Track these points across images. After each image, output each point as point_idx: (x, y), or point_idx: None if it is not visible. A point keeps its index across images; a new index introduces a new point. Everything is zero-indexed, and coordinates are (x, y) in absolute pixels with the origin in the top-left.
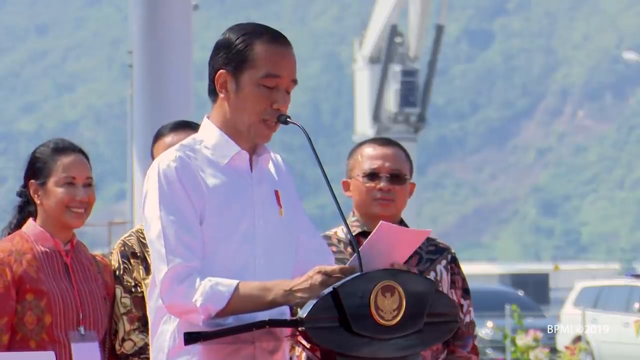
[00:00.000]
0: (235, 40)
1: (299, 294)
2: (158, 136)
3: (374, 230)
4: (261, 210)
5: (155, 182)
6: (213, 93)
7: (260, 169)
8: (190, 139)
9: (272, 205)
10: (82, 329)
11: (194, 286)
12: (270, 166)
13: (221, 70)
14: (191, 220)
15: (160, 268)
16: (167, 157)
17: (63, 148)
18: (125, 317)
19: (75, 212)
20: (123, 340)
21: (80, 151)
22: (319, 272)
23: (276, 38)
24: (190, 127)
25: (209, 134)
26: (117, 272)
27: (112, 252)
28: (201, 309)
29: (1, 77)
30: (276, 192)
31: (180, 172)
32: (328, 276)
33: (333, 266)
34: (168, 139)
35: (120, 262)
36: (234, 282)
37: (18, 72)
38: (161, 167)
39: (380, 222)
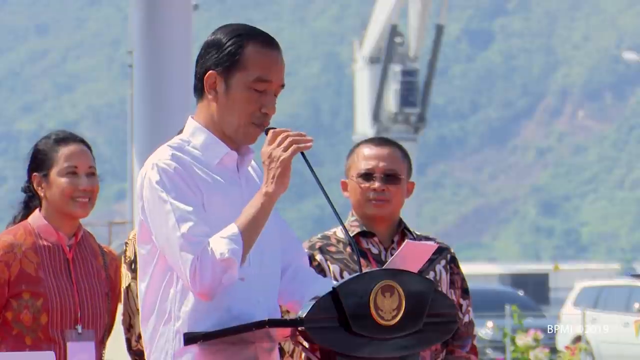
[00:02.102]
0: (227, 41)
1: (269, 180)
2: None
3: (400, 249)
4: None
5: (157, 181)
6: (199, 92)
7: (246, 168)
8: (177, 139)
9: None
10: (79, 327)
11: (205, 250)
12: (249, 169)
13: (211, 71)
14: (199, 211)
15: (185, 259)
16: (162, 156)
17: (64, 138)
18: None
19: (79, 201)
20: (139, 337)
21: (82, 141)
22: (264, 153)
23: (267, 42)
24: None
25: (196, 134)
26: (134, 265)
27: (126, 243)
28: (232, 257)
29: (1, 77)
30: None
31: (179, 170)
32: (275, 144)
33: (270, 133)
34: None
35: (137, 254)
36: (230, 224)
37: (18, 72)
38: (160, 166)
39: (406, 241)
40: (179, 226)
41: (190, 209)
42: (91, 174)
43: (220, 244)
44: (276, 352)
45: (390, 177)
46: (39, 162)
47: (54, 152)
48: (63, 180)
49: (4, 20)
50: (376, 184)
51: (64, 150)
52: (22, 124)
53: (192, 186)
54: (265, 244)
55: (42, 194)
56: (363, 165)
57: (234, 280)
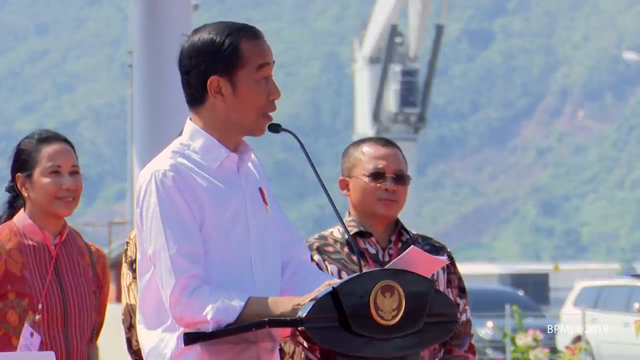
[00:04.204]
0: (221, 43)
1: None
2: None
3: (404, 253)
4: (252, 209)
5: (154, 193)
6: (196, 99)
7: (245, 167)
8: (177, 144)
9: (259, 203)
10: (37, 317)
11: (202, 298)
12: (249, 164)
13: (212, 77)
14: (193, 229)
15: (167, 281)
16: (162, 165)
17: (47, 138)
18: None
19: (63, 201)
20: None
21: (65, 140)
22: (328, 286)
23: (254, 31)
24: None
25: (195, 137)
26: (134, 265)
27: (127, 242)
28: (212, 322)
29: (1, 77)
30: (260, 190)
31: (177, 181)
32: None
33: (339, 280)
34: None
35: (138, 253)
36: (245, 296)
37: (18, 72)
38: (158, 177)
39: (412, 246)
40: (169, 246)
41: (182, 227)
42: (75, 172)
43: (217, 304)
44: (277, 352)
45: (400, 178)
46: (22, 162)
47: (36, 152)
48: (47, 180)
49: (4, 20)
50: (388, 184)
51: (47, 150)
52: (22, 124)
53: (189, 198)
54: (267, 242)
55: (25, 194)
56: (373, 165)
57: (205, 330)
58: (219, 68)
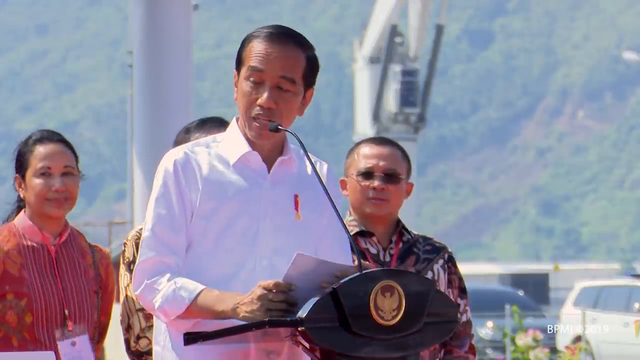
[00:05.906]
0: (244, 40)
1: (243, 308)
2: (185, 133)
3: (291, 263)
4: (271, 211)
5: (156, 177)
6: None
7: (281, 171)
8: (210, 136)
9: (287, 208)
10: (68, 323)
11: (160, 283)
12: (308, 171)
13: (234, 71)
14: (179, 221)
15: (138, 258)
16: (173, 152)
17: (41, 138)
18: (140, 313)
19: (54, 202)
20: (138, 337)
21: (60, 140)
22: (259, 287)
23: (269, 35)
24: (216, 121)
25: (230, 133)
26: (132, 266)
27: (125, 243)
28: (159, 311)
29: (1, 77)
30: (295, 196)
31: (179, 167)
32: (267, 291)
33: (269, 281)
34: (196, 135)
35: (135, 254)
36: (198, 288)
37: (18, 72)
38: (164, 162)
39: (296, 253)
40: (148, 227)
41: (168, 215)
42: (67, 173)
43: (167, 294)
44: (285, 353)
45: (390, 177)
46: (19, 163)
47: (29, 153)
48: (37, 181)
49: (4, 20)
50: (376, 183)
51: (40, 150)
52: (22, 124)
53: (187, 186)
54: (286, 249)
55: (22, 195)
56: (363, 164)
57: (163, 321)
58: (236, 63)
